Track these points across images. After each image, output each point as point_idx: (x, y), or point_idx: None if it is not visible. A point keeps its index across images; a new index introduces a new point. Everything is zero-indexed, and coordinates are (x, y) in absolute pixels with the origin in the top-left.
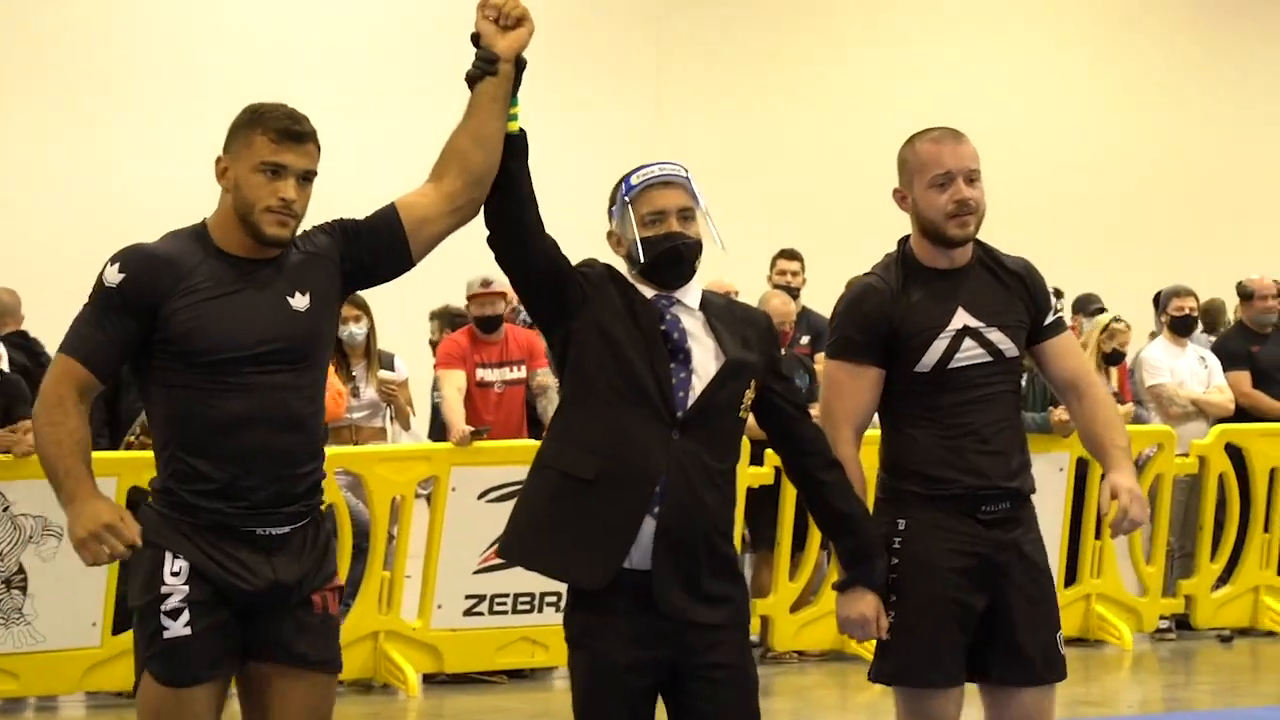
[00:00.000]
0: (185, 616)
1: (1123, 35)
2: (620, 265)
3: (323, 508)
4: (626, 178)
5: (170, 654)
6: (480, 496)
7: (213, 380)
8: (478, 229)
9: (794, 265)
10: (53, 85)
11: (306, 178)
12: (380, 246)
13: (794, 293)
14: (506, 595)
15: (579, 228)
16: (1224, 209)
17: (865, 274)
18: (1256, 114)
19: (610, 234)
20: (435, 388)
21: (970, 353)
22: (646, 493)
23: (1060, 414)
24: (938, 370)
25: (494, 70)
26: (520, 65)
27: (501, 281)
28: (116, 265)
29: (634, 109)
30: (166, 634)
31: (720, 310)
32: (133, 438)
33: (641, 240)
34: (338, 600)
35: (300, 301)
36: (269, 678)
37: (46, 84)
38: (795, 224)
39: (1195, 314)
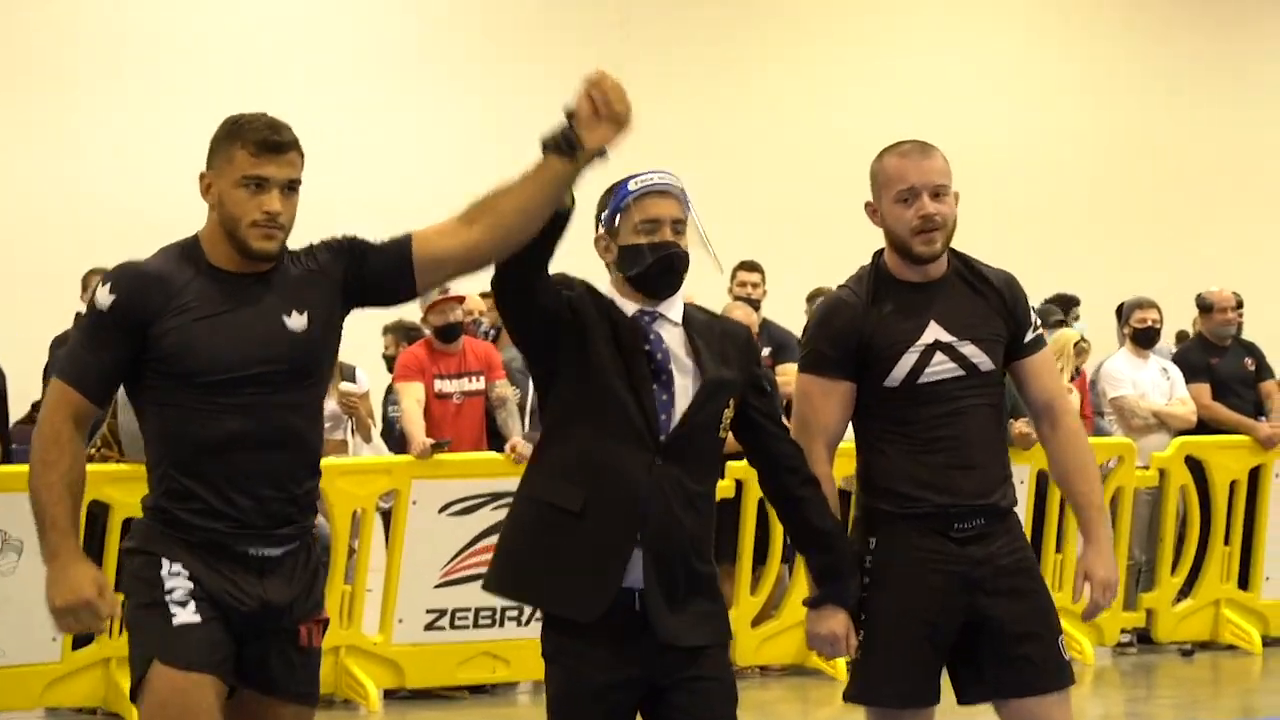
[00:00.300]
0: (193, 606)
1: (1086, 36)
2: (597, 280)
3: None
4: (623, 183)
5: (181, 637)
6: (441, 510)
7: (206, 400)
8: None
9: (754, 277)
10: (16, 84)
11: (291, 187)
12: (386, 271)
13: (755, 304)
14: (468, 610)
15: None
16: (1190, 215)
17: (838, 287)
18: (1219, 116)
19: (598, 239)
20: (389, 401)
21: (941, 367)
22: (634, 521)
23: (1021, 426)
24: (907, 384)
25: (572, 155)
26: (599, 154)
27: (458, 288)
28: (108, 286)
29: None
30: (176, 620)
31: (701, 326)
32: (93, 450)
33: (634, 247)
34: (322, 633)
35: (297, 321)
36: (254, 704)
37: (10, 83)
38: (755, 235)
39: (1158, 326)
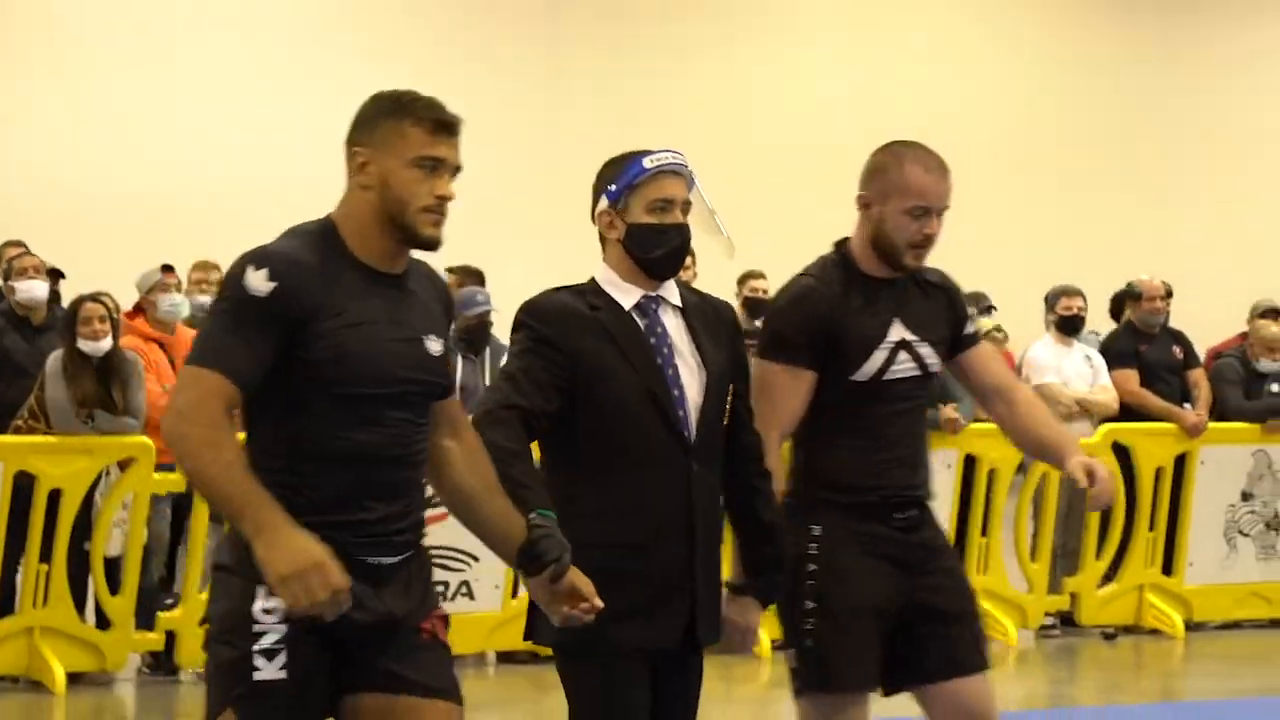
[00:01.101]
0: (282, 659)
1: (1025, 22)
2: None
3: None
4: (636, 159)
5: (262, 698)
6: None
7: (342, 411)
8: None
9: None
10: None
11: (455, 174)
12: None
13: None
14: None
15: (483, 240)
16: (1114, 202)
17: (800, 274)
18: (1148, 105)
19: (602, 214)
20: None
21: (903, 366)
22: (690, 537)
23: (949, 412)
24: (874, 381)
25: (527, 567)
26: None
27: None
28: (264, 271)
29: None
30: (258, 675)
31: (694, 308)
32: (20, 421)
33: (647, 227)
34: (446, 627)
35: (436, 346)
36: (382, 710)
37: None
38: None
39: (1083, 313)
